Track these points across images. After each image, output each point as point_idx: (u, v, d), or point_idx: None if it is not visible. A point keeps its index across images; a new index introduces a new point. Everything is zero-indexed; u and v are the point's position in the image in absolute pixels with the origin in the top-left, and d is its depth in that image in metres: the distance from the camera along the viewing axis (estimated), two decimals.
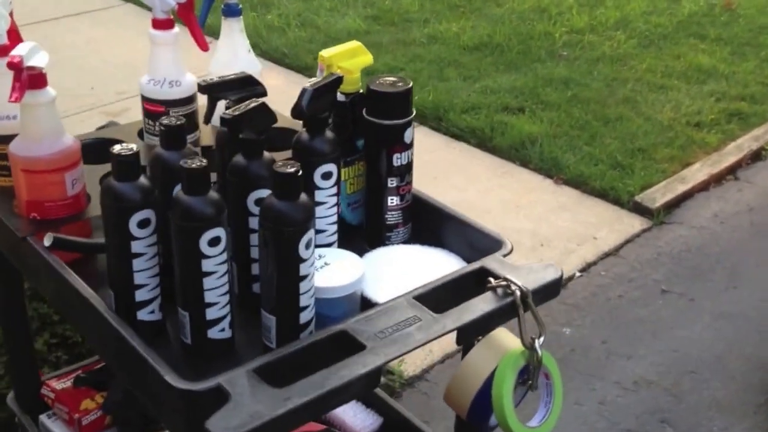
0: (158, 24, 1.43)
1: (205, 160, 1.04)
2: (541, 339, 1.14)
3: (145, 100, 1.46)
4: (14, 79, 1.18)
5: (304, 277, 1.07)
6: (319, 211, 1.24)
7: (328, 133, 1.22)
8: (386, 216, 1.32)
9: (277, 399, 0.94)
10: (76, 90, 4.26)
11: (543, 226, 3.03)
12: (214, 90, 1.20)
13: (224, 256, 1.07)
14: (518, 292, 1.12)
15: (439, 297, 1.14)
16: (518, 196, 3.21)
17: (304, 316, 1.10)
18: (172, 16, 1.45)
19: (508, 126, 3.56)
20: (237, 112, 1.10)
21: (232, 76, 1.22)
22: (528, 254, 2.88)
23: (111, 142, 1.49)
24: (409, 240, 1.36)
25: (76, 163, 1.26)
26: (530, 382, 1.17)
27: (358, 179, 1.35)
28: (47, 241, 1.20)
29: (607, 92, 3.91)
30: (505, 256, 1.23)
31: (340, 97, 1.30)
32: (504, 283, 1.13)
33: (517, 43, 4.36)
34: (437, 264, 1.26)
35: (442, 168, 3.35)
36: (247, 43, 1.54)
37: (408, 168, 1.31)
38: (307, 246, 1.06)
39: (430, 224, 1.36)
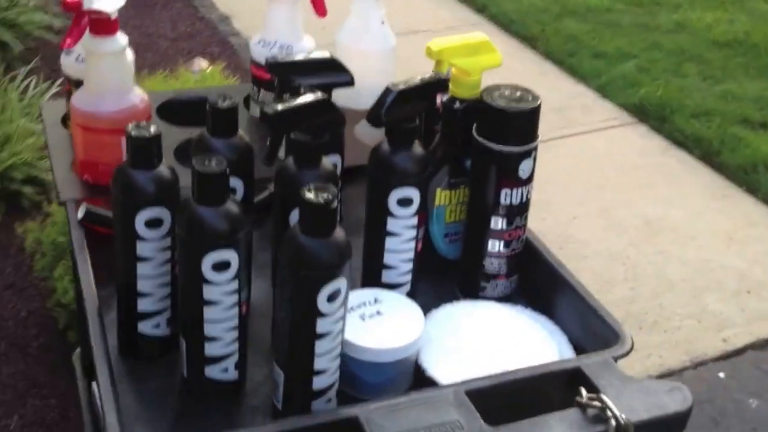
0: None
1: (224, 163, 0.82)
2: None
3: (252, 63, 1.26)
4: (72, 23, 1.00)
5: (324, 335, 0.82)
6: (391, 243, 0.98)
7: (416, 149, 0.95)
8: (484, 262, 1.04)
9: None
10: (307, 27, 4.20)
11: (757, 270, 2.56)
12: (284, 70, 0.96)
13: (234, 285, 0.85)
14: (614, 422, 0.81)
15: (505, 397, 0.86)
16: (735, 226, 2.74)
17: (321, 382, 0.85)
18: None
19: (743, 142, 3.05)
20: (282, 107, 0.86)
21: (312, 57, 0.98)
22: (728, 299, 2.44)
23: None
24: (512, 296, 1.07)
25: None
26: None
27: (460, 207, 1.07)
28: (80, 213, 1.04)
29: None
30: (618, 358, 0.91)
31: (454, 103, 1.02)
32: (598, 403, 0.82)
33: None
34: (529, 343, 0.97)
35: (651, 175, 2.95)
36: (381, 13, 1.28)
37: (521, 209, 1.01)
38: (332, 299, 0.81)
39: (541, 283, 1.06)
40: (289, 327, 0.83)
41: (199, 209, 0.81)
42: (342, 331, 0.85)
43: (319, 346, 0.83)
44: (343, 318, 0.84)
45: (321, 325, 0.82)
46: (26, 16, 3.26)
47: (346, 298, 0.83)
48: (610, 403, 0.81)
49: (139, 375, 0.94)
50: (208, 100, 0.91)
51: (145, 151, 0.86)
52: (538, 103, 0.97)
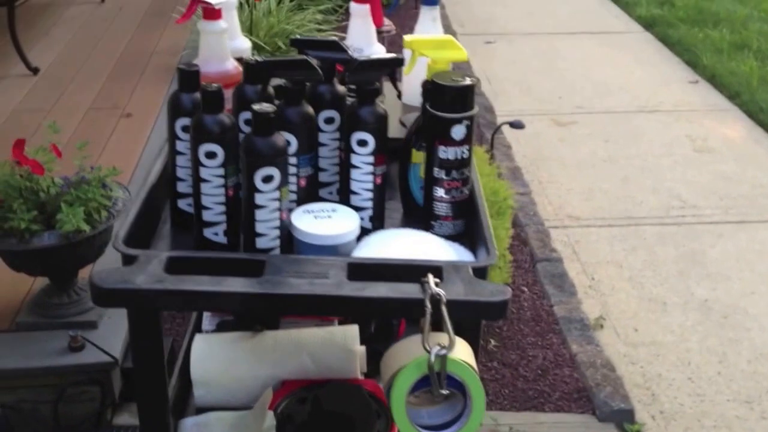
0: None
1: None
2: (443, 351, 1.11)
3: None
4: (187, 8, 1.51)
5: (261, 207, 1.22)
6: (354, 173, 1.35)
7: (378, 107, 1.32)
8: (433, 204, 1.36)
9: (156, 278, 1.12)
10: (545, 95, 4.60)
11: None
12: (303, 46, 1.38)
13: (220, 170, 1.27)
14: (429, 292, 1.11)
15: (381, 274, 1.18)
16: None
17: (262, 243, 1.24)
18: None
19: None
20: (261, 59, 1.28)
21: (322, 39, 1.39)
22: None
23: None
24: (458, 237, 1.37)
25: (229, 85, 1.54)
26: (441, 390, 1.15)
27: None
28: None
29: None
30: (480, 269, 1.20)
31: (428, 84, 1.37)
32: (423, 279, 1.12)
33: None
34: (436, 256, 1.27)
35: None
36: (440, 32, 1.65)
37: (457, 165, 1.33)
38: (265, 180, 1.20)
39: (472, 227, 1.36)
40: (243, 199, 1.23)
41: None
42: (279, 209, 1.23)
43: (258, 214, 1.22)
44: (279, 199, 1.23)
45: (258, 198, 1.21)
46: None
47: (281, 183, 1.22)
48: (431, 280, 1.11)
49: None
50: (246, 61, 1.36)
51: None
52: (470, 83, 1.30)
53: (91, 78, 4.14)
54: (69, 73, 4.19)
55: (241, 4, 4.61)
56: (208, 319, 1.75)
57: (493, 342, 2.80)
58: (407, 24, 4.33)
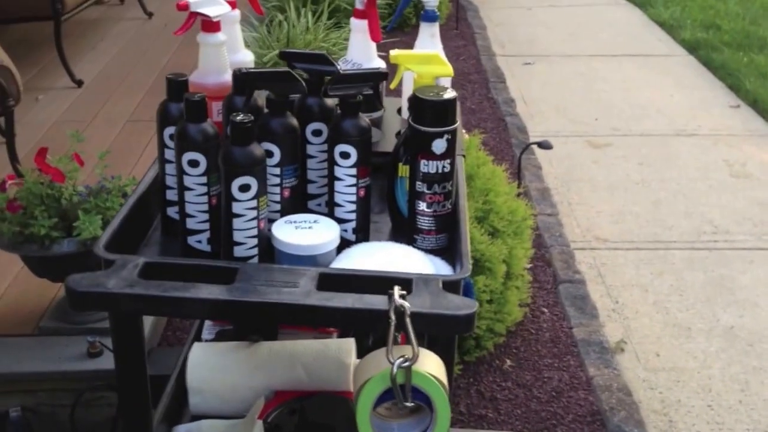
0: (357, 14, 1.66)
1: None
2: (407, 363, 1.11)
3: None
4: (186, 20, 1.54)
5: (238, 215, 1.24)
6: (337, 185, 1.36)
7: (361, 120, 1.33)
8: (416, 218, 1.37)
9: (127, 283, 1.15)
10: (581, 117, 4.57)
11: None
12: (291, 58, 1.40)
13: (203, 179, 1.29)
14: (393, 304, 1.11)
15: (350, 284, 1.19)
16: None
17: (240, 251, 1.26)
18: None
19: None
20: (245, 70, 1.30)
21: (310, 52, 1.41)
22: None
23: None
24: (441, 251, 1.37)
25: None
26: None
27: None
28: None
29: None
30: (452, 283, 1.19)
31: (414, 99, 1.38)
32: (390, 291, 1.13)
33: None
34: (414, 269, 1.28)
35: None
36: (439, 47, 1.66)
37: (439, 179, 1.33)
38: (242, 189, 1.22)
39: (455, 241, 1.36)
40: (222, 208, 1.25)
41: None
42: (256, 218, 1.25)
43: (235, 223, 1.24)
44: (257, 208, 1.24)
45: (235, 207, 1.23)
46: None
47: (258, 192, 1.23)
48: (396, 293, 1.11)
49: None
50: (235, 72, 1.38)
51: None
52: (450, 97, 1.30)
53: (132, 91, 4.25)
54: (111, 86, 4.31)
55: (280, 21, 4.68)
56: (208, 328, 1.77)
57: (509, 362, 2.77)
58: (445, 43, 4.35)
